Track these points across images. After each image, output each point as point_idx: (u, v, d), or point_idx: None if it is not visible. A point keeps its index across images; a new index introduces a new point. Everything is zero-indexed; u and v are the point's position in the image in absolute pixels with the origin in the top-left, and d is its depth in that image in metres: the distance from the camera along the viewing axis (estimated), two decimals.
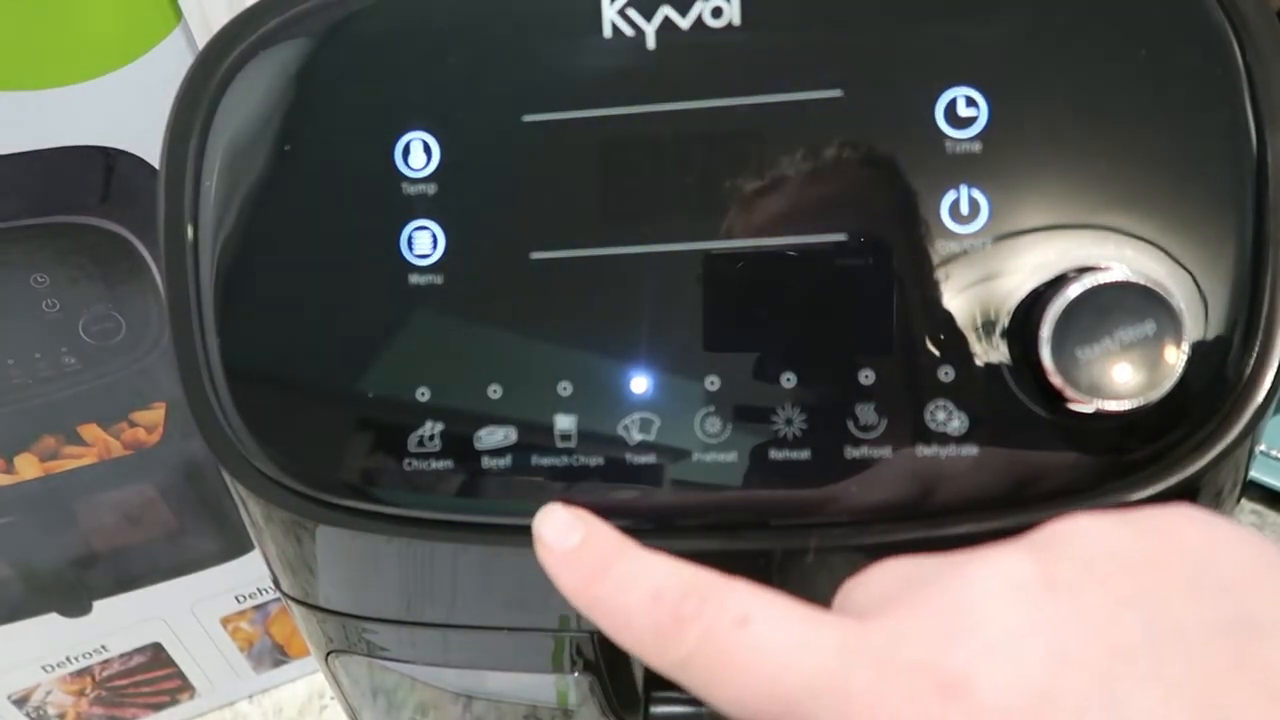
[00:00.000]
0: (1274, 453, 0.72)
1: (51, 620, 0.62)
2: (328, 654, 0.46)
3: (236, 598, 0.66)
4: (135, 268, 0.51)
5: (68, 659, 0.64)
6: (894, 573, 0.26)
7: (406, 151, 0.34)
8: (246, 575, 0.65)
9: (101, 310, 0.52)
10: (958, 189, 0.31)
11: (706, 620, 0.25)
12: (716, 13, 0.32)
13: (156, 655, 0.67)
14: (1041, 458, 0.31)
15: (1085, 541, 0.24)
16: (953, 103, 0.31)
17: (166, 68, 0.46)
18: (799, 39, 0.32)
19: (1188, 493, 0.32)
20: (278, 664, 0.73)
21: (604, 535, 0.29)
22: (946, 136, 0.31)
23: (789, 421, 0.33)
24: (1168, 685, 0.20)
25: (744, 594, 0.25)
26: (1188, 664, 0.21)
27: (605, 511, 0.30)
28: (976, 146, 0.31)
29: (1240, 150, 0.30)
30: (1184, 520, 0.24)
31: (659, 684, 0.38)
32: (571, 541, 0.29)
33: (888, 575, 0.26)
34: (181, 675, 0.69)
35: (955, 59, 0.31)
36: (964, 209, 0.31)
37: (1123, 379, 0.29)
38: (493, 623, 0.40)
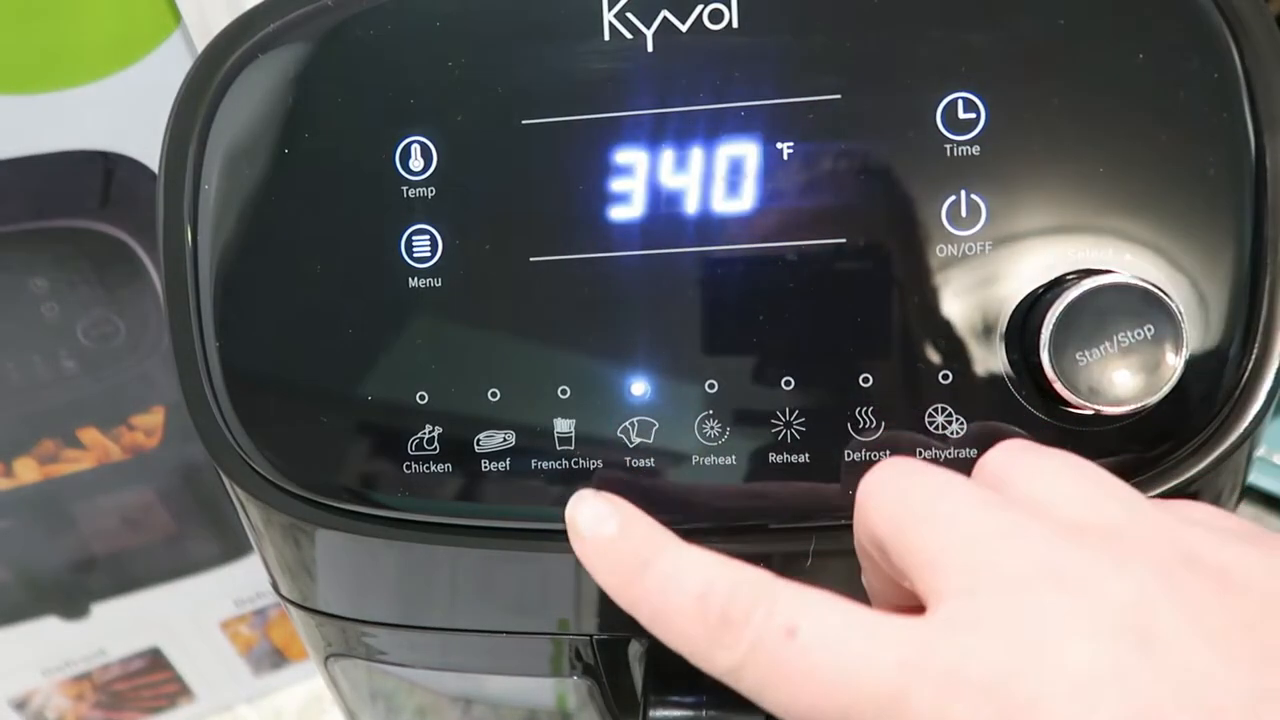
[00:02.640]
0: (1273, 458, 0.72)
1: (50, 624, 0.61)
2: (326, 658, 0.46)
3: (235, 601, 0.66)
4: (134, 272, 0.51)
5: (66, 662, 0.64)
6: (975, 554, 0.24)
7: (405, 155, 0.34)
8: (245, 579, 0.65)
9: (100, 314, 0.52)
10: (957, 192, 0.31)
11: (755, 627, 0.24)
12: (716, 16, 0.32)
13: (155, 659, 0.67)
14: None
15: (1203, 582, 0.22)
16: (952, 106, 0.31)
17: (166, 71, 0.46)
18: (798, 42, 0.32)
19: (1187, 496, 0.32)
20: (276, 668, 0.72)
21: (642, 526, 0.28)
22: (946, 140, 0.31)
23: (788, 424, 0.33)
24: None
25: (792, 599, 0.25)
26: None
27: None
28: (976, 150, 0.31)
29: (1239, 154, 0.30)
30: None
31: (658, 687, 0.38)
32: (607, 531, 0.28)
33: (969, 555, 0.24)
34: (180, 679, 0.69)
35: (954, 63, 0.31)
36: (963, 212, 0.31)
37: (1122, 382, 0.29)
38: (492, 626, 0.40)
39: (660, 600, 0.26)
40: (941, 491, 0.25)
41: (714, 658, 0.25)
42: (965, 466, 0.32)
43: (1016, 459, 0.27)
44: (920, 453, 0.32)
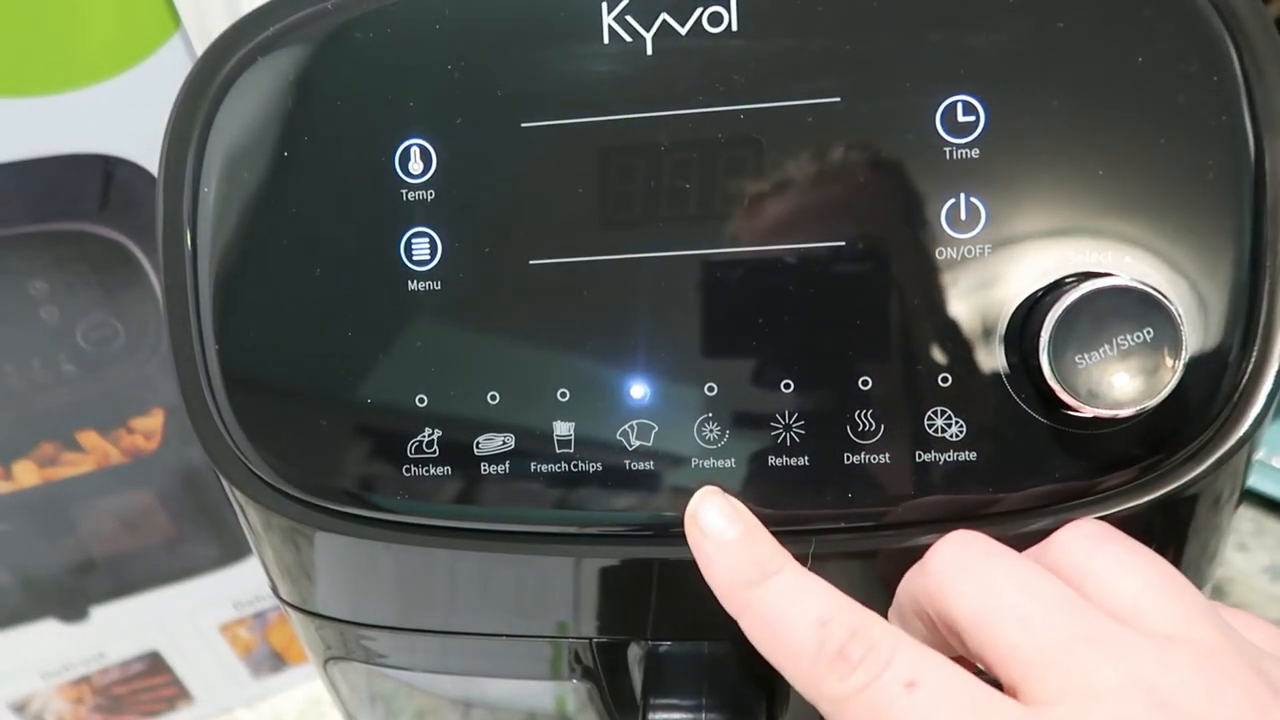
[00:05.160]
0: (1273, 461, 0.72)
1: (49, 627, 0.61)
2: (326, 661, 0.46)
3: (235, 604, 0.66)
4: (134, 275, 0.51)
5: (65, 666, 0.64)
6: (1073, 660, 0.25)
7: (405, 158, 0.34)
8: (245, 582, 0.65)
9: (100, 317, 0.52)
10: (956, 195, 0.31)
11: (873, 670, 0.25)
12: (715, 19, 0.32)
13: (154, 662, 0.67)
14: (1040, 463, 0.31)
15: None
16: (952, 109, 0.31)
17: (165, 74, 0.46)
18: (797, 45, 0.32)
19: (1186, 499, 0.32)
20: (276, 671, 0.72)
21: (766, 538, 0.30)
22: (945, 143, 0.31)
23: (787, 427, 0.33)
24: None
25: (913, 652, 0.26)
26: None
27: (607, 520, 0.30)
28: (975, 153, 0.31)
29: (1238, 156, 0.31)
30: None
31: (657, 690, 0.38)
32: (730, 534, 0.30)
33: (1067, 661, 0.25)
34: (179, 682, 0.69)
35: (954, 66, 0.31)
36: (963, 215, 0.31)
37: (1121, 385, 0.29)
38: (491, 629, 0.40)
39: (775, 613, 0.28)
40: (1030, 588, 0.26)
41: (820, 683, 0.26)
42: (965, 468, 0.32)
43: (1100, 550, 0.28)
44: (919, 455, 0.32)
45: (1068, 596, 0.26)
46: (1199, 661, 0.24)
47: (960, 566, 0.28)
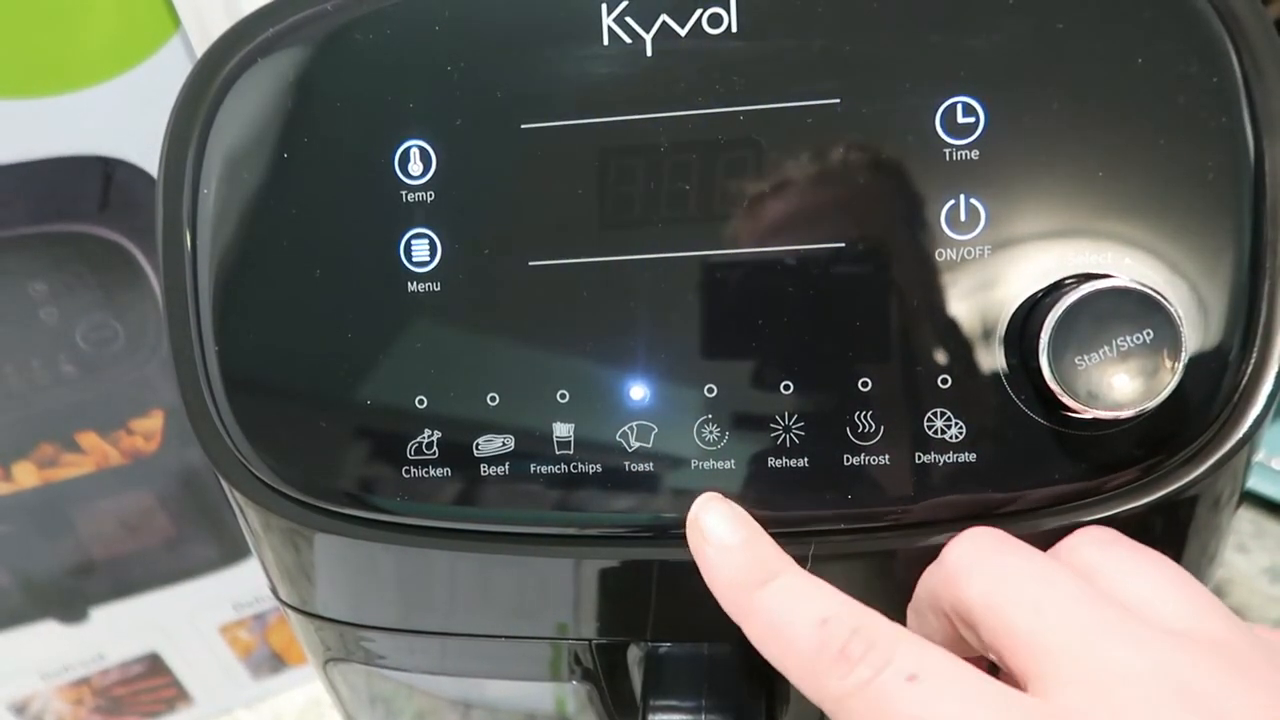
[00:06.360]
0: (1272, 463, 0.72)
1: (49, 628, 0.61)
2: (326, 662, 0.46)
3: (234, 606, 0.66)
4: (133, 276, 0.51)
5: (65, 667, 0.64)
6: (1088, 647, 0.25)
7: (405, 159, 0.34)
8: (244, 583, 0.65)
9: (99, 318, 0.52)
10: (956, 196, 0.31)
11: (873, 665, 0.26)
12: (715, 20, 0.32)
13: (154, 663, 0.67)
14: (1039, 465, 0.31)
15: None
16: (951, 110, 0.31)
17: (165, 75, 0.46)
18: (797, 46, 0.32)
19: (1186, 500, 0.32)
20: (275, 672, 0.72)
21: (768, 543, 0.30)
22: (945, 144, 0.31)
23: (787, 429, 0.33)
24: None
25: (914, 647, 0.26)
26: None
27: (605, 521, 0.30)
28: (975, 154, 0.31)
29: (1238, 158, 0.31)
30: None
31: (657, 692, 0.38)
32: (733, 539, 0.30)
33: (1081, 648, 0.25)
34: (179, 683, 0.69)
35: (953, 67, 0.31)
36: (962, 216, 0.31)
37: (1120, 386, 0.29)
38: (491, 631, 0.40)
39: (778, 615, 0.28)
40: (1043, 577, 0.27)
41: (823, 682, 0.26)
42: (965, 469, 0.32)
43: (1109, 551, 0.29)
44: (919, 457, 0.32)
45: (1082, 587, 0.26)
46: (1217, 654, 0.24)
47: (974, 558, 0.28)
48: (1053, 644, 0.25)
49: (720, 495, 0.32)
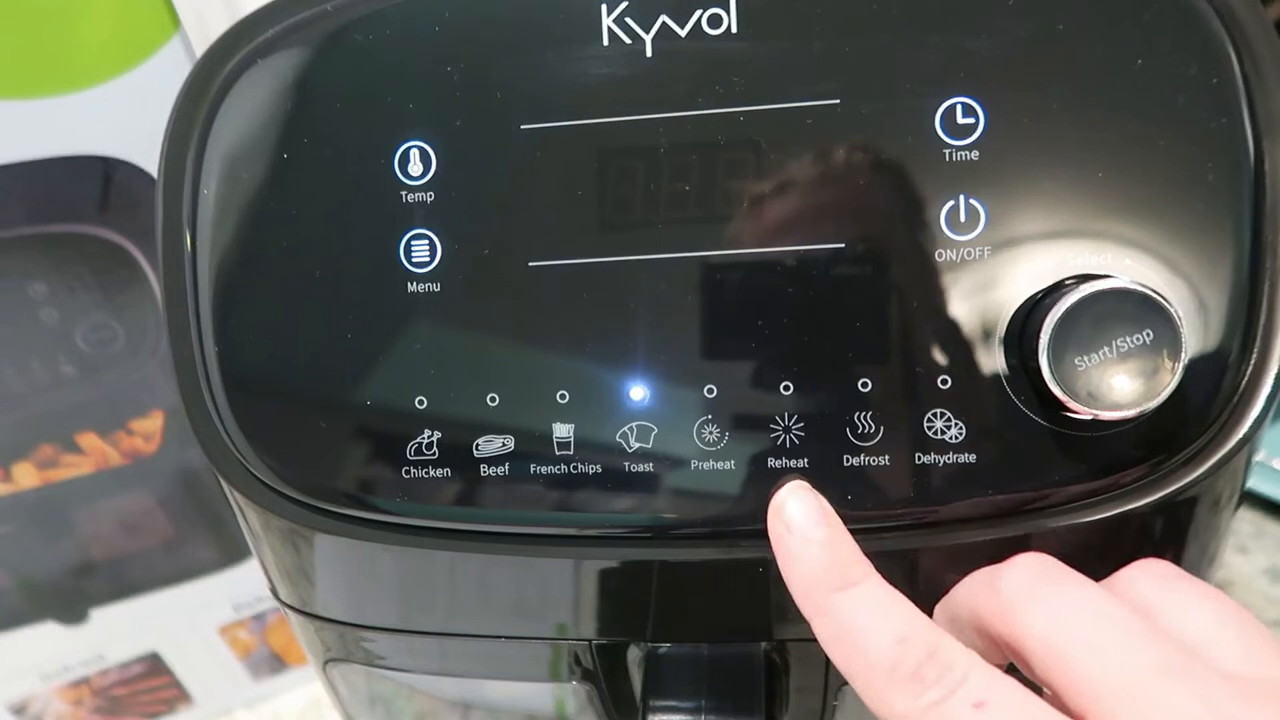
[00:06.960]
0: (1272, 463, 0.72)
1: (49, 629, 0.61)
2: (325, 662, 0.46)
3: (234, 606, 0.66)
4: (133, 277, 0.51)
5: (65, 668, 0.64)
6: (1145, 691, 0.25)
7: (404, 159, 0.34)
8: (244, 584, 0.65)
9: (99, 319, 0.52)
10: (956, 197, 0.31)
11: (943, 690, 0.26)
12: (714, 21, 0.32)
13: (154, 664, 0.67)
14: (1039, 465, 0.31)
15: None
16: (951, 111, 0.31)
17: (165, 76, 0.46)
18: (797, 47, 0.32)
19: (1186, 501, 0.32)
20: (275, 673, 0.72)
21: (850, 544, 0.30)
22: (945, 145, 0.31)
23: (787, 429, 0.33)
24: None
25: (985, 675, 0.26)
26: None
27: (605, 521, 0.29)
28: (975, 155, 0.31)
29: (1238, 159, 0.31)
30: None
31: (657, 693, 0.38)
32: (817, 534, 0.30)
33: (1139, 691, 0.25)
34: (179, 684, 0.69)
35: (953, 68, 0.31)
36: (962, 217, 0.31)
37: (1120, 387, 0.29)
38: (490, 631, 0.40)
39: (855, 624, 0.28)
40: (1104, 613, 0.26)
41: (891, 698, 0.26)
42: (965, 470, 0.32)
43: (1169, 587, 0.28)
44: (919, 458, 0.32)
45: (1142, 627, 0.26)
46: (1274, 700, 0.24)
47: (1032, 591, 0.28)
48: (1113, 685, 0.25)
49: (806, 483, 0.32)
